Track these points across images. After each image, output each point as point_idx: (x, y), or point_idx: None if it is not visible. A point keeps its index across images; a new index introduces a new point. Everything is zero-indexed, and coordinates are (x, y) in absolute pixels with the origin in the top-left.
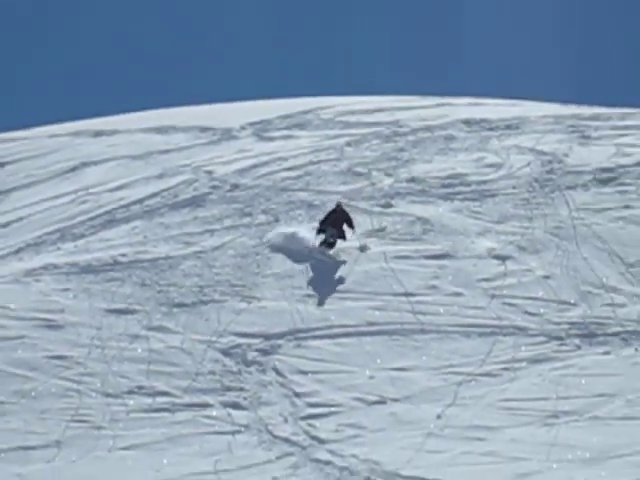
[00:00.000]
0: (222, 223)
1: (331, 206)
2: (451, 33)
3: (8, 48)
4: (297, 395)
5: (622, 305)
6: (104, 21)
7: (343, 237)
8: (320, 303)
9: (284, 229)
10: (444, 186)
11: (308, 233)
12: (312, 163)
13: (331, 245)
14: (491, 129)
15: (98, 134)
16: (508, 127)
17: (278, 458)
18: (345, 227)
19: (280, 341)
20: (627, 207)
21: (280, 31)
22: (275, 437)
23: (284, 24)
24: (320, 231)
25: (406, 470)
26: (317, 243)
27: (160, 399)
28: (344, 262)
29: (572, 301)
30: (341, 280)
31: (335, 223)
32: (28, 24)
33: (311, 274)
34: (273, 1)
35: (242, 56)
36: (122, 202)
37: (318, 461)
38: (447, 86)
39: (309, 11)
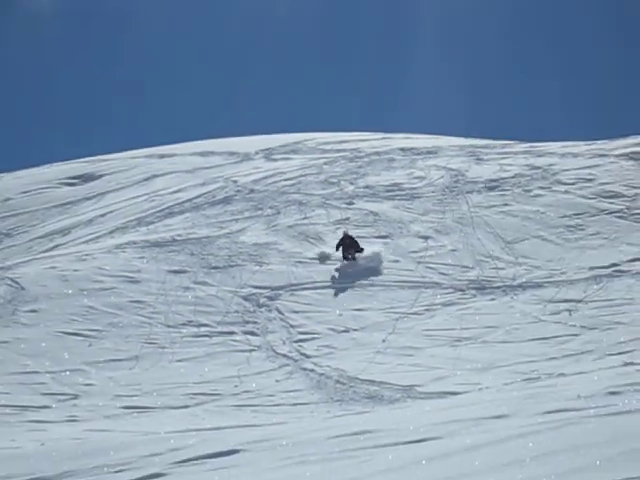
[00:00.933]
0: (243, 214)
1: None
2: (395, 90)
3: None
4: (292, 326)
5: (502, 268)
6: (165, 81)
7: (360, 250)
8: (306, 267)
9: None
10: (387, 191)
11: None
12: (302, 175)
13: (353, 258)
14: (418, 154)
15: (163, 156)
16: (429, 152)
17: (279, 367)
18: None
19: (281, 291)
20: (506, 205)
21: (283, 90)
22: (277, 354)
23: (286, 86)
24: (344, 256)
25: (362, 375)
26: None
27: (203, 329)
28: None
29: (470, 266)
30: (320, 252)
31: (349, 246)
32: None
33: (300, 249)
34: (277, 75)
35: (257, 106)
36: (178, 200)
37: (305, 369)
38: (389, 126)
39: (301, 76)
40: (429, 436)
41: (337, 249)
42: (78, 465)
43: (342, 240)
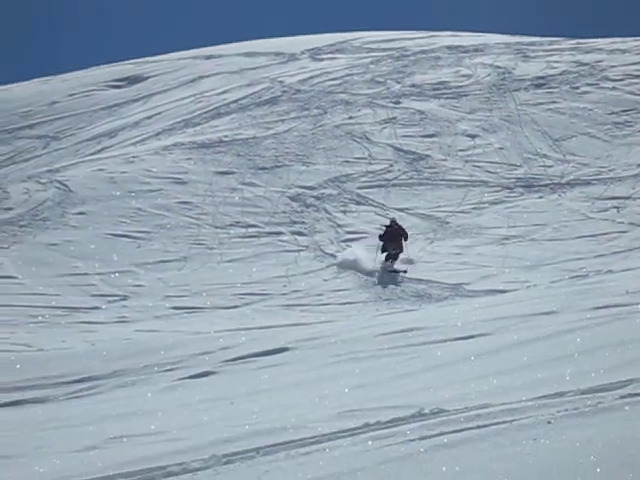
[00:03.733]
0: (289, 115)
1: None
2: None
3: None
4: (339, 226)
5: (550, 166)
6: None
7: (401, 249)
8: (353, 166)
9: (348, 255)
10: (434, 89)
11: (366, 254)
12: (348, 75)
13: (395, 257)
14: (465, 52)
15: (209, 57)
16: (476, 50)
17: (327, 267)
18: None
19: (327, 190)
20: (553, 102)
21: None
22: (325, 253)
23: None
24: (383, 249)
25: (410, 274)
26: (383, 259)
27: (250, 229)
28: (405, 271)
29: (518, 164)
30: (367, 150)
31: (393, 238)
32: None
33: (348, 149)
34: None
35: (302, 6)
36: (224, 101)
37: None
38: (436, 23)
39: None
40: (477, 333)
41: (381, 240)
42: (128, 364)
43: (387, 229)
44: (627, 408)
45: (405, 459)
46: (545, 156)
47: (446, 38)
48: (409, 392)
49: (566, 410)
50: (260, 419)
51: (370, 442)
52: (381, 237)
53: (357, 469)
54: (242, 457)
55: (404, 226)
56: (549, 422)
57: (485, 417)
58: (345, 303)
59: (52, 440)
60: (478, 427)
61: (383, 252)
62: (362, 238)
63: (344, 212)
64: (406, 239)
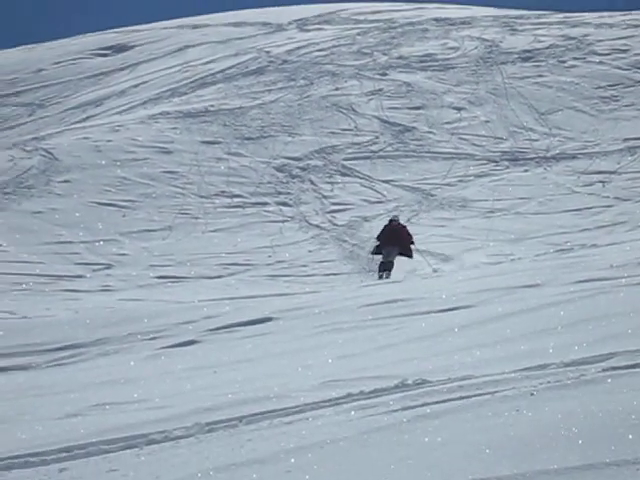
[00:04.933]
0: (276, 85)
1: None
2: None
3: None
4: (325, 197)
5: (536, 140)
6: None
7: (408, 255)
8: (339, 137)
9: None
10: (421, 62)
11: None
12: (334, 46)
13: (389, 266)
14: (452, 24)
15: (196, 27)
16: (463, 23)
17: (312, 238)
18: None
19: (313, 161)
20: (540, 76)
21: None
22: (310, 224)
23: None
24: (376, 251)
25: None
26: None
27: (236, 199)
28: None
29: (504, 137)
30: (353, 121)
31: (390, 239)
32: None
33: (334, 120)
34: None
35: None
36: (211, 71)
37: (337, 239)
38: None
39: None
40: (461, 305)
41: (378, 239)
42: (112, 332)
43: (386, 227)
44: (609, 381)
45: (388, 429)
46: (531, 129)
47: (433, 10)
48: (392, 363)
49: (549, 382)
50: (243, 388)
51: (353, 412)
52: (378, 236)
53: (340, 438)
54: (225, 425)
55: (403, 224)
56: (532, 394)
57: (468, 388)
58: (329, 274)
59: (34, 407)
60: (461, 398)
61: (375, 254)
62: (347, 210)
63: (330, 183)
64: (412, 244)
